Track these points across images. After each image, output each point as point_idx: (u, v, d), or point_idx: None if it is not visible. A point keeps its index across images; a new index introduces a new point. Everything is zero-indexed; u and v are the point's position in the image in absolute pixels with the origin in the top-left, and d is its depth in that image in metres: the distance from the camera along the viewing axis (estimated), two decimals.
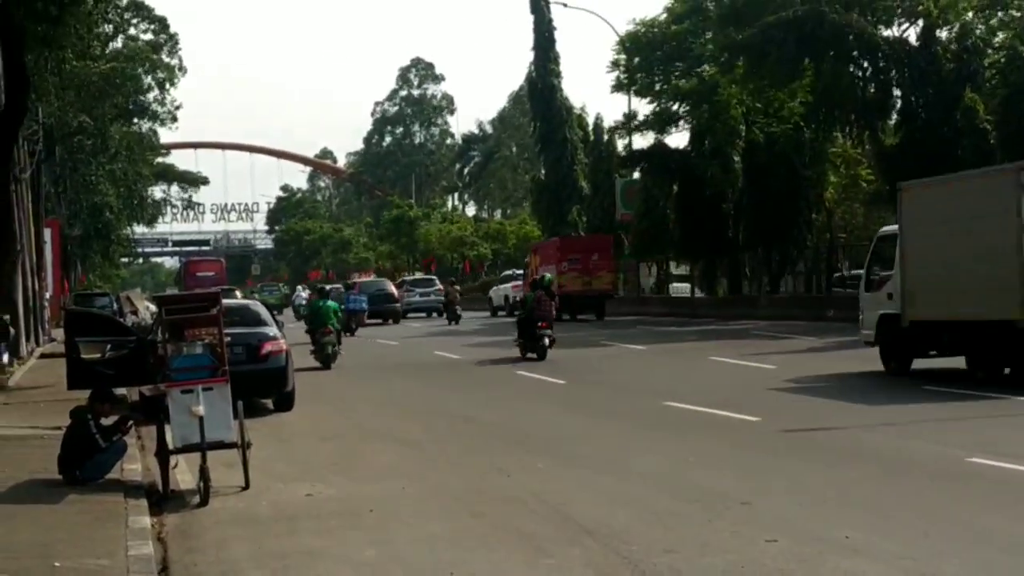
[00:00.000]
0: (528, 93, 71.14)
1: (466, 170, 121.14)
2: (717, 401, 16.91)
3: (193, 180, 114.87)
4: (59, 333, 27.70)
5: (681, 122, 54.94)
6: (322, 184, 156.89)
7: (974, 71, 39.17)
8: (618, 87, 57.27)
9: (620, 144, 59.91)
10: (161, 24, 53.27)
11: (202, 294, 12.86)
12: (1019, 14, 41.74)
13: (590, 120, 65.53)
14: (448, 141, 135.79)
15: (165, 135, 65.20)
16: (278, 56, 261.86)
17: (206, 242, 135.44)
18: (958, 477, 10.93)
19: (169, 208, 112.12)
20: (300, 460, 13.47)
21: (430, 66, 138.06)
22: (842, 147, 46.73)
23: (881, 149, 41.58)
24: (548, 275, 33.11)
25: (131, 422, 12.38)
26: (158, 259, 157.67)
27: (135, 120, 56.87)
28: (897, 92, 41.50)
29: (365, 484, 11.67)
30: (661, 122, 55.22)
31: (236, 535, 9.59)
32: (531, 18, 67.16)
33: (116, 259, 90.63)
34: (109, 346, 12.12)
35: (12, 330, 26.73)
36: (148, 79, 51.99)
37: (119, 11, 31.94)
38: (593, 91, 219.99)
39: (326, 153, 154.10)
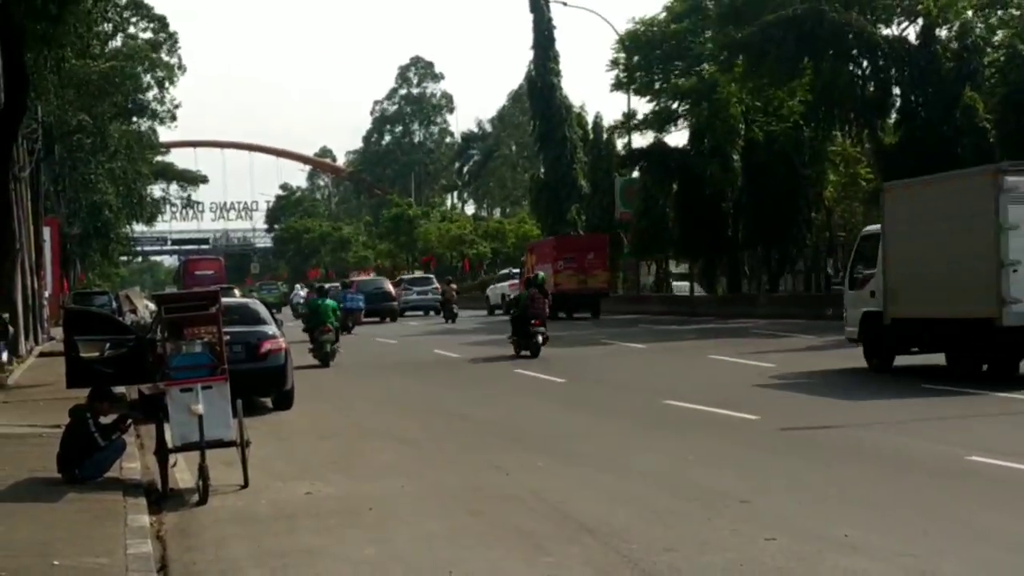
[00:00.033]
0: (527, 92, 71.16)
1: (465, 169, 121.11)
2: (716, 399, 16.91)
3: (192, 179, 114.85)
4: (58, 332, 27.71)
5: (680, 121, 54.96)
6: (321, 183, 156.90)
7: (974, 70, 39.17)
8: (617, 86, 57.27)
9: (619, 143, 59.97)
10: (160, 23, 53.25)
11: (201, 292, 12.85)
12: (1018, 12, 41.72)
13: (589, 119, 65.54)
14: (447, 140, 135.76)
15: (164, 134, 65.25)
16: (277, 55, 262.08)
17: (205, 241, 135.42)
18: (957, 475, 10.93)
19: (168, 207, 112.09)
20: (299, 458, 13.47)
21: (429, 65, 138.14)
22: (841, 146, 46.73)
23: (880, 148, 41.58)
24: (541, 273, 33.42)
25: (130, 421, 12.37)
26: (157, 258, 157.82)
27: (134, 119, 56.84)
28: (896, 91, 41.52)
29: (364, 482, 11.67)
30: (660, 121, 55.23)
31: (235, 533, 9.59)
32: (530, 17, 67.19)
33: (115, 258, 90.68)
34: (108, 345, 12.13)
35: (11, 329, 26.75)
36: (147, 78, 51.96)
37: (118, 10, 31.94)
38: (592, 90, 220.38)
39: (325, 152, 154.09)
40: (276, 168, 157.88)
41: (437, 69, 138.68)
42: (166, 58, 53.47)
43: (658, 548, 8.47)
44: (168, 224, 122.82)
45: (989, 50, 41.27)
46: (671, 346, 29.14)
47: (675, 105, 54.31)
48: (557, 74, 66.56)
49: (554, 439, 14.23)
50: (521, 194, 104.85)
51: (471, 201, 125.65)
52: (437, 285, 56.52)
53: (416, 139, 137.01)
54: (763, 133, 43.88)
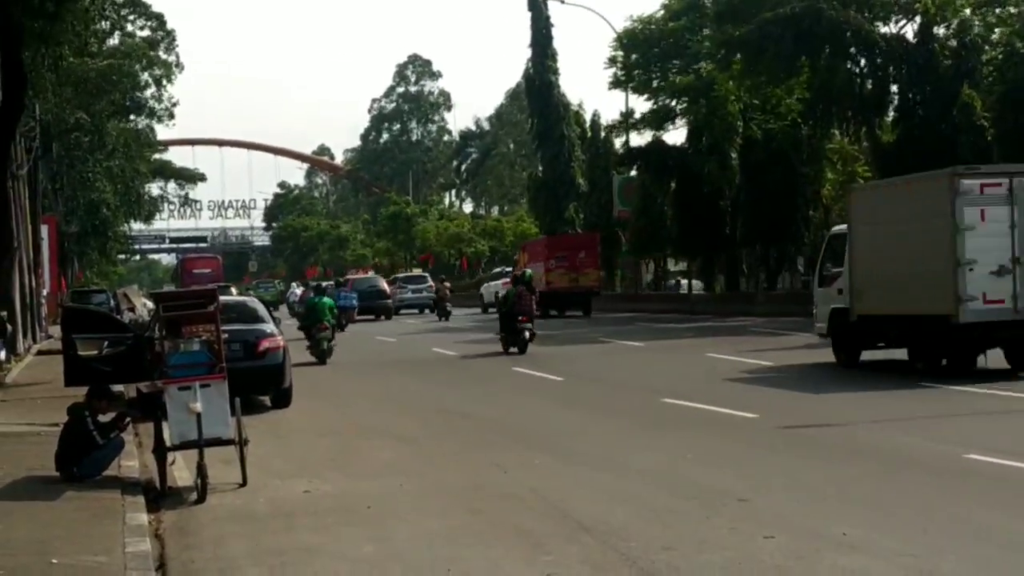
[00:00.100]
0: (526, 90, 71.16)
1: (463, 167, 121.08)
2: (715, 398, 16.92)
3: (190, 177, 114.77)
4: (56, 330, 27.71)
5: (678, 119, 54.97)
6: (319, 181, 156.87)
7: (972, 68, 39.18)
8: (615, 84, 57.28)
9: (618, 142, 59.95)
10: (158, 20, 53.13)
11: (199, 291, 12.86)
12: (1016, 10, 41.72)
13: (587, 117, 65.53)
14: (445, 138, 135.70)
15: (162, 132, 65.04)
16: (275, 53, 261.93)
17: (203, 239, 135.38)
18: (956, 473, 10.93)
19: (166, 205, 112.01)
20: (297, 457, 13.47)
21: (427, 63, 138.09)
22: (839, 144, 46.74)
23: (878, 146, 41.60)
24: (529, 271, 33.95)
25: (128, 419, 12.36)
26: (155, 256, 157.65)
27: (132, 117, 56.73)
28: (894, 89, 41.53)
29: (363, 480, 11.67)
30: (658, 119, 55.23)
31: (234, 532, 9.59)
32: (528, 15, 67.14)
33: (113, 256, 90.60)
34: (106, 343, 12.13)
35: (9, 327, 26.74)
36: (145, 76, 51.85)
37: (116, 7, 31.88)
38: (590, 88, 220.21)
39: (323, 150, 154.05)
40: (274, 166, 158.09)
41: (435, 67, 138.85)
42: (164, 56, 53.35)
43: (657, 546, 8.47)
44: (166, 222, 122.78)
45: (987, 48, 41.27)
46: (669, 344, 29.15)
47: (673, 103, 54.33)
48: (555, 72, 66.54)
49: (553, 437, 14.23)
50: (519, 192, 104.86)
51: (469, 199, 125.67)
52: (432, 283, 56.93)
53: (414, 137, 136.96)
54: (761, 131, 43.87)
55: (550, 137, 65.45)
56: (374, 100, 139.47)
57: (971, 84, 38.41)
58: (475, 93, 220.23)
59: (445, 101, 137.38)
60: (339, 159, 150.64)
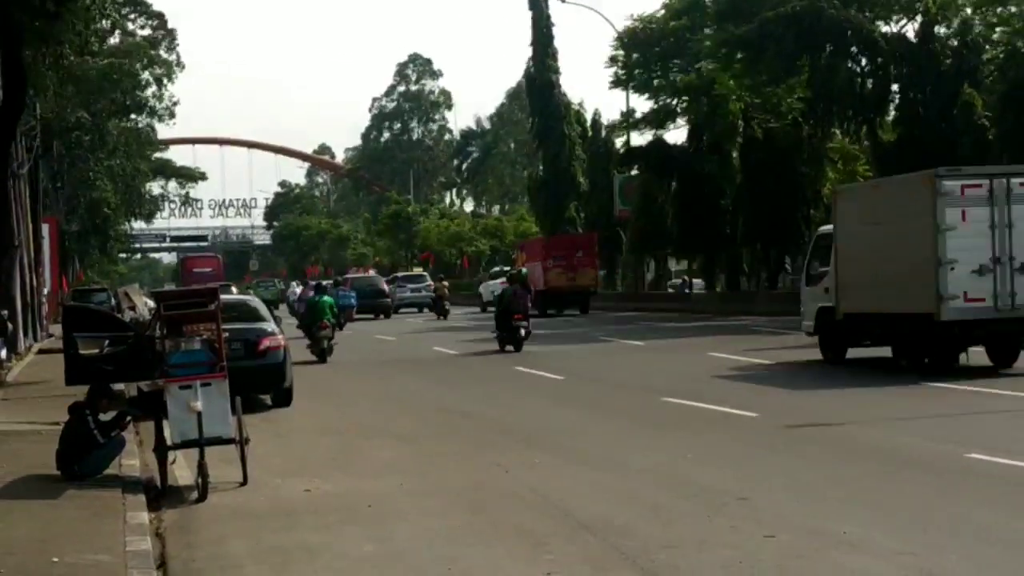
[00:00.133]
0: (526, 89, 71.13)
1: (464, 166, 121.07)
2: (715, 397, 16.92)
3: (191, 176, 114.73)
4: (57, 329, 27.70)
5: (679, 118, 55.00)
6: (320, 180, 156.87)
7: (973, 67, 39.20)
8: (616, 83, 57.37)
9: (618, 142, 59.96)
10: (159, 19, 53.16)
11: (200, 290, 12.84)
12: (1017, 10, 41.72)
13: (588, 116, 65.53)
14: (446, 137, 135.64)
15: (163, 131, 65.08)
16: (276, 52, 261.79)
17: (204, 238, 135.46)
18: (957, 473, 10.93)
19: (167, 204, 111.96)
20: (298, 456, 13.47)
21: (428, 62, 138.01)
22: (840, 143, 46.72)
23: (879, 145, 41.60)
24: (524, 270, 34.42)
25: (129, 418, 12.37)
26: (156, 255, 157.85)
27: (133, 116, 56.74)
28: (895, 88, 41.54)
29: (363, 480, 11.67)
30: (659, 119, 55.27)
31: (234, 530, 9.59)
32: (529, 14, 67.15)
33: (114, 255, 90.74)
34: (107, 342, 12.11)
35: (10, 326, 26.73)
36: (146, 75, 51.87)
37: (116, 6, 31.85)
38: (591, 87, 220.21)
39: (324, 149, 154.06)
40: (275, 165, 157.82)
41: (435, 66, 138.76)
42: (164, 55, 53.39)
43: (657, 545, 8.47)
44: (167, 221, 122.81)
45: (988, 47, 41.30)
46: (670, 343, 29.15)
47: (673, 102, 54.37)
48: (556, 71, 66.51)
49: (553, 437, 14.23)
50: (520, 191, 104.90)
51: (470, 198, 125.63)
52: (430, 282, 57.33)
53: (415, 136, 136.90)
54: (762, 130, 43.84)
55: (551, 136, 65.43)
56: (375, 99, 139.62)
57: (972, 84, 38.44)
58: (476, 92, 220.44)
59: (446, 100, 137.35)
60: (340, 158, 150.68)
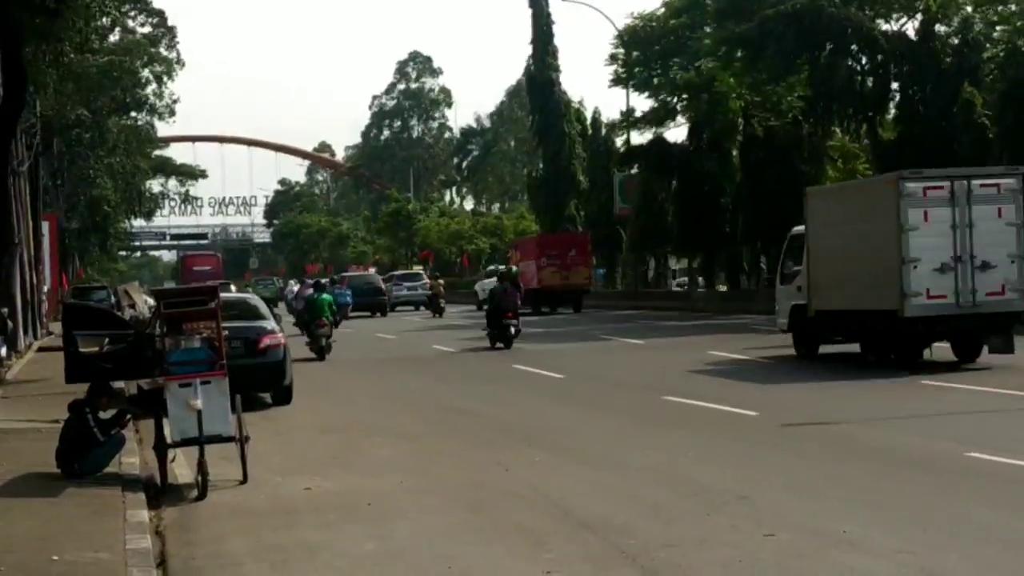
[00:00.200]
0: (527, 87, 71.12)
1: (464, 164, 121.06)
2: (715, 395, 16.92)
3: (191, 173, 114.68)
4: (57, 327, 27.71)
5: (679, 116, 54.97)
6: (320, 178, 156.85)
7: (973, 66, 39.16)
8: (616, 81, 57.29)
9: (619, 141, 59.93)
10: (159, 17, 53.13)
11: (200, 288, 12.84)
12: (1017, 8, 41.69)
13: (588, 114, 65.53)
14: (446, 135, 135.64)
15: (163, 129, 65.08)
16: (276, 51, 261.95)
17: (204, 235, 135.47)
18: (956, 471, 10.92)
19: (167, 201, 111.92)
20: (298, 454, 13.47)
21: (428, 60, 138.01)
22: (840, 142, 46.71)
23: (879, 143, 41.58)
24: (514, 268, 34.92)
25: (129, 416, 12.36)
26: (156, 253, 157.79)
27: (133, 113, 56.73)
28: (895, 86, 41.52)
29: (364, 478, 11.67)
30: (659, 117, 55.24)
31: (234, 528, 9.59)
32: (529, 12, 67.13)
33: (114, 253, 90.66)
34: (107, 340, 12.11)
35: (10, 323, 26.72)
36: (146, 72, 51.86)
37: (117, 3, 31.81)
38: (591, 85, 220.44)
39: (324, 147, 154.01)
40: (275, 163, 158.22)
41: (435, 64, 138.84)
42: (165, 53, 53.38)
43: (657, 544, 8.47)
44: (167, 219, 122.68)
45: (988, 46, 41.26)
46: (670, 342, 29.14)
47: (673, 100, 54.34)
48: (556, 69, 66.50)
49: (553, 435, 14.23)
50: (520, 189, 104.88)
51: (470, 196, 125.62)
52: (427, 281, 57.70)
53: (415, 134, 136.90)
54: (762, 129, 43.85)
55: (551, 134, 65.42)
56: (375, 97, 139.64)
57: (972, 82, 38.40)
58: (476, 90, 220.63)
59: (446, 98, 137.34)
60: (340, 156, 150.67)
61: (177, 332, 11.61)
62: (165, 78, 52.87)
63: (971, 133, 36.86)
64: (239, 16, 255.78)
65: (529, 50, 67.18)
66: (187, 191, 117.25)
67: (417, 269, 73.61)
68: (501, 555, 8.46)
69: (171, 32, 53.75)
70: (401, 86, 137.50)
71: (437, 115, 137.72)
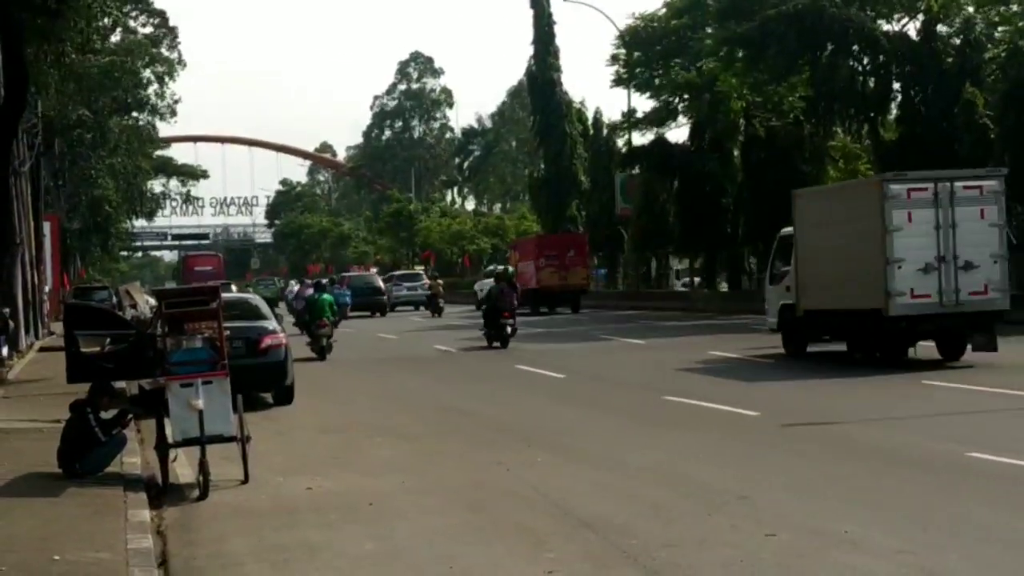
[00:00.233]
0: (528, 87, 71.08)
1: (465, 164, 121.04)
2: (716, 395, 16.92)
3: (192, 174, 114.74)
4: (58, 327, 27.71)
5: (680, 117, 54.93)
6: (321, 178, 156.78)
7: (975, 66, 39.12)
8: (618, 82, 57.23)
9: (620, 142, 59.90)
10: (160, 17, 53.16)
11: (202, 288, 12.85)
12: (1018, 8, 41.64)
13: (590, 114, 65.49)
14: (447, 135, 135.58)
15: (164, 129, 65.11)
16: (278, 50, 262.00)
17: (205, 236, 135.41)
18: (957, 471, 10.93)
19: (168, 202, 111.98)
20: (299, 454, 13.48)
21: (429, 60, 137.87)
22: (842, 142, 46.68)
23: (880, 144, 41.56)
24: (511, 268, 35.13)
25: (131, 416, 12.36)
26: (157, 253, 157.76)
27: (134, 113, 56.77)
28: (897, 86, 41.48)
29: (364, 478, 11.68)
30: (660, 117, 55.20)
31: (235, 528, 9.60)
32: (531, 12, 67.12)
33: (115, 253, 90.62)
34: (108, 340, 12.11)
35: (11, 323, 26.74)
36: (147, 72, 51.89)
37: (118, 4, 31.82)
38: (593, 85, 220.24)
39: (326, 147, 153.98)
40: (276, 163, 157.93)
41: (437, 64, 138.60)
42: (166, 53, 53.41)
43: (658, 544, 8.47)
44: (168, 219, 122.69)
45: (990, 46, 41.21)
46: (671, 342, 29.14)
47: (675, 100, 54.30)
48: (557, 69, 66.48)
49: (554, 435, 14.24)
50: (521, 190, 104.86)
51: (471, 197, 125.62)
52: (426, 281, 57.91)
53: (416, 134, 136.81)
54: (763, 129, 43.83)
55: (552, 134, 65.41)
56: (376, 97, 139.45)
57: (974, 82, 38.35)
58: (477, 90, 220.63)
59: (447, 98, 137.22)
60: (341, 156, 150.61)
61: (179, 332, 11.63)
62: (166, 78, 52.94)
63: (972, 133, 36.81)
64: (240, 16, 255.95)
65: (530, 50, 67.21)
66: (188, 191, 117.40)
67: (418, 269, 73.62)
68: (501, 555, 8.47)
69: (172, 32, 53.82)
70: (402, 86, 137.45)
71: (438, 115, 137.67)
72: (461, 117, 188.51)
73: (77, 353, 11.95)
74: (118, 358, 11.97)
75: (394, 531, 9.30)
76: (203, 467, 10.92)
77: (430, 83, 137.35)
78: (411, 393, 20.09)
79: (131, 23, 48.64)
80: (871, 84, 41.50)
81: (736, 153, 46.57)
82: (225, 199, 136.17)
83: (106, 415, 11.94)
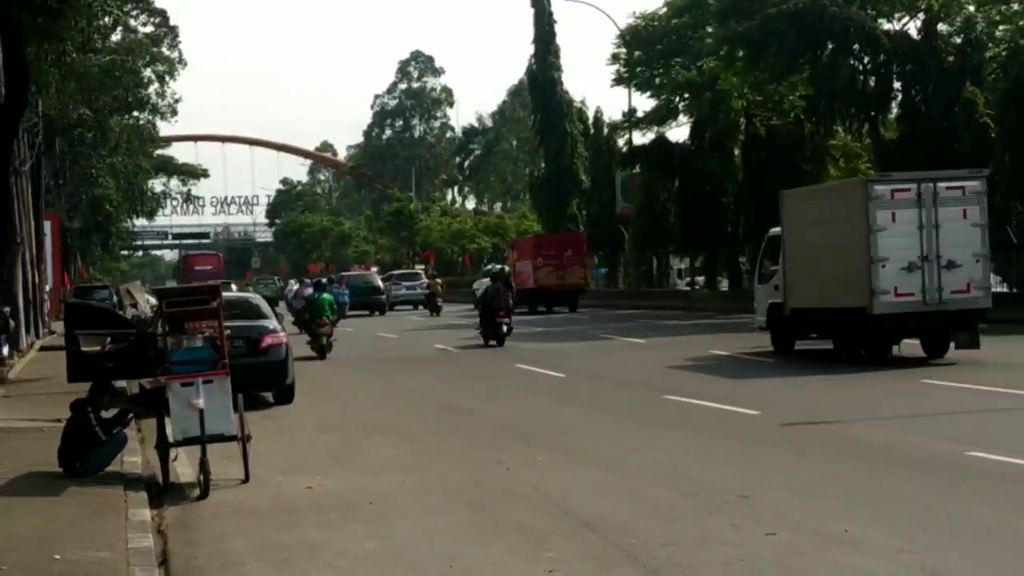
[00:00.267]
0: (528, 86, 71.07)
1: (466, 163, 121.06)
2: (716, 394, 16.93)
3: (193, 173, 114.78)
4: (59, 326, 27.72)
5: (681, 116, 54.93)
6: (322, 177, 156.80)
7: (976, 65, 39.10)
8: (618, 81, 57.24)
9: (620, 140, 59.90)
10: (161, 17, 53.14)
11: (202, 287, 12.84)
12: (1019, 7, 41.63)
13: (590, 114, 65.48)
14: (448, 134, 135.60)
15: (165, 128, 65.12)
16: (278, 50, 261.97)
17: (206, 235, 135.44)
18: (957, 471, 10.93)
19: (169, 201, 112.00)
20: (300, 453, 13.48)
21: (430, 59, 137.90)
22: (842, 141, 46.67)
23: (881, 143, 41.56)
24: (507, 268, 35.58)
25: (131, 415, 12.36)
26: (158, 252, 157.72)
27: (135, 113, 56.76)
28: (897, 85, 41.48)
29: (365, 477, 11.68)
30: (661, 117, 55.19)
31: (236, 528, 9.60)
32: (531, 11, 67.11)
33: (116, 252, 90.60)
34: (109, 339, 12.12)
35: (12, 323, 26.74)
36: (148, 72, 51.89)
37: (119, 3, 31.82)
38: (593, 84, 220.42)
39: (326, 146, 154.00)
40: (277, 162, 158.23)
41: (437, 63, 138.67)
42: (167, 52, 53.40)
43: (658, 543, 8.48)
44: (169, 218, 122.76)
45: (991, 45, 41.19)
46: (671, 341, 29.14)
47: (676, 99, 54.30)
48: (558, 69, 66.47)
49: (555, 434, 14.24)
50: (521, 189, 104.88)
51: (471, 196, 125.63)
52: (425, 280, 58.10)
53: (416, 133, 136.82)
54: (764, 128, 43.82)
55: (553, 134, 65.41)
56: (377, 96, 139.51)
57: (974, 81, 38.34)
58: (477, 89, 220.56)
59: (447, 97, 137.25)
60: (342, 155, 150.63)
61: (179, 331, 11.63)
62: (167, 77, 52.93)
63: (973, 132, 36.80)
64: (241, 15, 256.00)
65: (531, 49, 67.21)
66: (189, 190, 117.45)
67: (419, 269, 73.67)
68: (502, 554, 8.47)
69: (173, 32, 53.79)
70: (403, 85, 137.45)
71: (439, 114, 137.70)
72: (462, 116, 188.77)
73: (78, 352, 11.95)
74: (119, 357, 11.97)
75: (394, 530, 9.30)
76: (204, 466, 10.92)
77: (431, 82, 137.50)
78: (411, 392, 20.10)
79: (132, 22, 48.62)
80: (872, 83, 41.51)
81: (737, 152, 46.57)
82: (226, 198, 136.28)
83: (107, 414, 11.94)
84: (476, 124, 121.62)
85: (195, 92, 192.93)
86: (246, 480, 11.35)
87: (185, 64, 54.07)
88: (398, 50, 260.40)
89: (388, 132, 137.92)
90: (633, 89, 56.71)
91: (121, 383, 14.29)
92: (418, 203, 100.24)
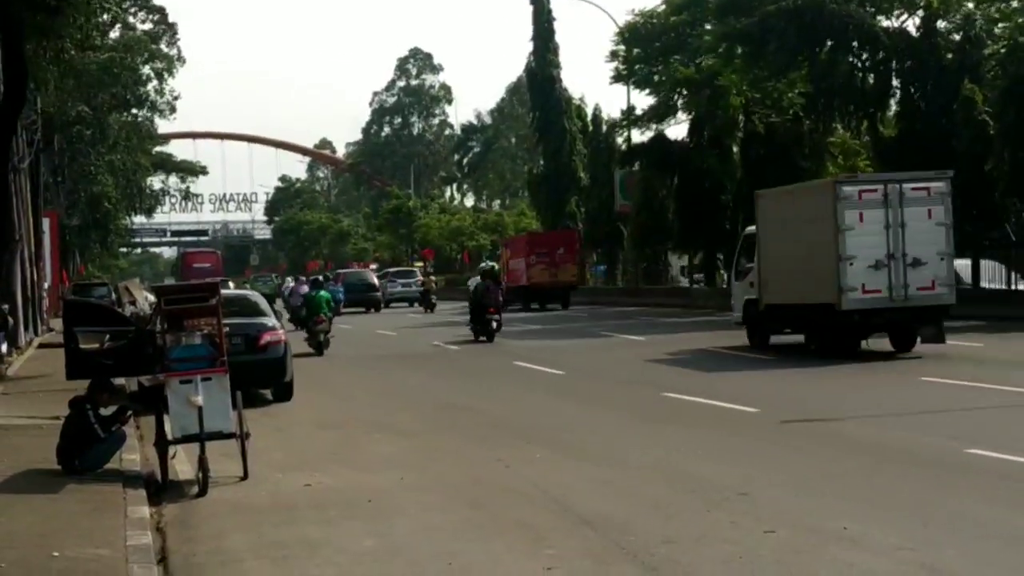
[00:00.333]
0: (527, 83, 71.10)
1: (465, 161, 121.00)
2: (715, 392, 16.94)
3: (192, 170, 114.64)
4: (58, 323, 27.73)
5: (680, 113, 54.89)
6: (321, 174, 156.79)
7: (975, 62, 39.09)
8: (617, 78, 57.19)
9: (619, 138, 59.87)
10: (160, 14, 53.07)
11: (201, 284, 12.85)
12: (1018, 5, 41.61)
13: (589, 111, 65.46)
14: (447, 132, 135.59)
15: (164, 126, 65.06)
16: (277, 47, 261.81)
17: (205, 232, 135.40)
18: (956, 468, 10.93)
19: (167, 198, 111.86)
20: (299, 450, 13.48)
21: (428, 56, 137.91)
22: (841, 138, 46.66)
23: (880, 140, 41.55)
24: (495, 265, 35.98)
25: (130, 412, 12.37)
26: (156, 249, 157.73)
27: (134, 110, 56.71)
28: (896, 83, 41.46)
29: (364, 474, 11.68)
30: (660, 114, 55.16)
31: (235, 525, 9.60)
32: (530, 8, 67.10)
33: (115, 249, 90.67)
34: (108, 336, 12.12)
35: (11, 320, 26.74)
36: (146, 69, 51.83)
37: (117, 0, 31.77)
38: (592, 81, 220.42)
39: (325, 143, 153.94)
40: (275, 160, 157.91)
41: (436, 61, 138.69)
42: (165, 49, 53.33)
43: (657, 540, 8.48)
44: (167, 216, 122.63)
45: (990, 42, 41.17)
46: (670, 338, 29.13)
47: (674, 96, 54.26)
48: (557, 66, 66.48)
49: (554, 431, 14.24)
50: (520, 186, 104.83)
51: (470, 193, 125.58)
52: (421, 277, 58.23)
53: (415, 131, 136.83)
54: (763, 125, 43.80)
55: (551, 131, 65.41)
56: (375, 94, 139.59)
57: (973, 79, 38.31)
58: (476, 87, 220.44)
59: (446, 95, 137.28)
60: (341, 152, 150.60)
61: (178, 329, 11.63)
62: (166, 75, 52.81)
63: (972, 130, 36.77)
64: (240, 13, 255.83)
65: (530, 47, 67.22)
66: (188, 188, 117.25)
67: (417, 266, 73.71)
68: (501, 551, 8.48)
69: (172, 29, 53.66)
70: (402, 83, 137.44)
71: (438, 112, 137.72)
72: (460, 113, 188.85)
73: (76, 349, 11.96)
74: (117, 355, 11.98)
75: (393, 527, 9.30)
76: (202, 464, 10.93)
77: (429, 79, 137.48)
78: (410, 389, 20.10)
79: (130, 19, 48.53)
80: (870, 80, 41.49)
81: (735, 149, 46.54)
82: (224, 195, 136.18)
83: (105, 412, 11.94)
84: (475, 121, 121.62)
85: (194, 89, 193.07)
86: (245, 477, 11.35)
87: (184, 61, 53.96)
88: (397, 47, 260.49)
89: (387, 129, 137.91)
90: (632, 86, 56.70)
91: (120, 380, 14.30)
92: (417, 200, 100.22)
